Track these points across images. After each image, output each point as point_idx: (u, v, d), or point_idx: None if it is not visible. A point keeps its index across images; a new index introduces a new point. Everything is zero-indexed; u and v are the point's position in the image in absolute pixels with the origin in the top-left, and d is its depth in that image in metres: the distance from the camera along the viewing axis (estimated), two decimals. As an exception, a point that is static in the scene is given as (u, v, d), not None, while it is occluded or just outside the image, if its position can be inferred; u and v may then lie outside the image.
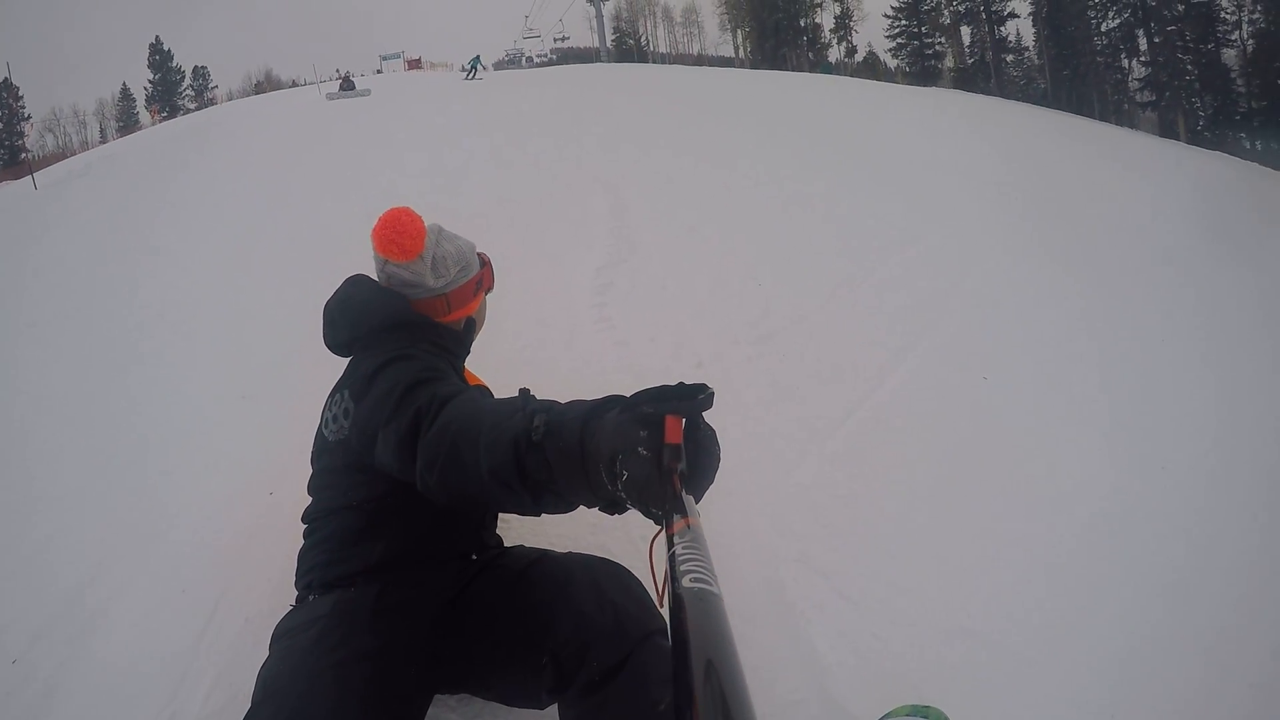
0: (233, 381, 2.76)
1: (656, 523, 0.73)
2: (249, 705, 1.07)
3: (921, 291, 3.38)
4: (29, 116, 39.56)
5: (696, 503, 0.74)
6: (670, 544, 0.65)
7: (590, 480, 0.83)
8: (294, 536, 1.39)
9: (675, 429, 0.76)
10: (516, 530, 1.74)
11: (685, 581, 0.59)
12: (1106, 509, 2.03)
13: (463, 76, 19.42)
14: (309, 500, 1.36)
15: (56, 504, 2.30)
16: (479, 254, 1.55)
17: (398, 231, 1.34)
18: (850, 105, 9.28)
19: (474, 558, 1.34)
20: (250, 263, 4.21)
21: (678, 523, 0.67)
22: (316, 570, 1.26)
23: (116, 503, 2.26)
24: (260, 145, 8.41)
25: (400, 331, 1.33)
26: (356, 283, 1.45)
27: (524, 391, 1.00)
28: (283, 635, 1.19)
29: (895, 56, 37.63)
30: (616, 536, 1.74)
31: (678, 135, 6.70)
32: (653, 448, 0.75)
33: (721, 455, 0.84)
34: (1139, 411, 2.58)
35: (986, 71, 33.07)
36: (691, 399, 0.78)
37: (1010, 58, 33.86)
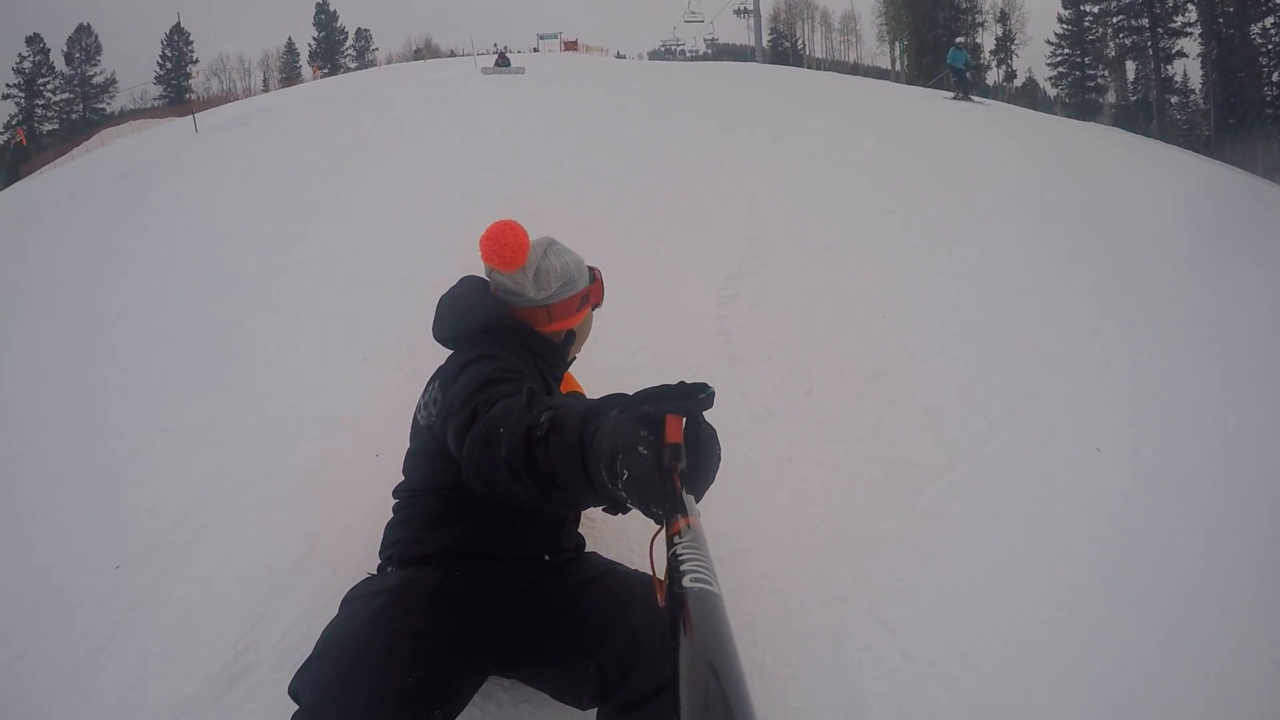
0: (359, 342, 2.91)
1: (657, 522, 0.72)
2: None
3: (1044, 352, 3.17)
4: (197, 60, 43.70)
5: (697, 502, 0.73)
6: (670, 544, 0.65)
7: (590, 478, 0.83)
8: (389, 501, 1.48)
9: (675, 428, 0.75)
10: (599, 530, 1.79)
11: (685, 581, 0.58)
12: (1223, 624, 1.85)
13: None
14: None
15: (175, 434, 2.56)
16: (592, 270, 1.60)
17: (500, 244, 1.40)
18: (1006, 134, 8.74)
19: (546, 558, 1.39)
20: (392, 227, 4.41)
21: (678, 522, 0.67)
22: (397, 546, 1.37)
23: (229, 438, 2.47)
24: (414, 112, 8.79)
25: (495, 334, 1.41)
26: (467, 283, 1.53)
27: (530, 391, 1.01)
28: (352, 600, 1.29)
29: (1055, 86, 35.44)
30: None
31: (825, 148, 6.51)
32: (653, 447, 0.75)
33: (723, 455, 0.83)
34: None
35: (1149, 111, 30.50)
36: (692, 398, 0.77)
37: (1174, 99, 31.12)
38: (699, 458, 0.78)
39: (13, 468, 2.53)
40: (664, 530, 0.69)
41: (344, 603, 1.30)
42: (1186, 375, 3.13)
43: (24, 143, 29.95)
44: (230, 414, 2.63)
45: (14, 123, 38.51)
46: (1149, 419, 2.74)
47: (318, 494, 2.08)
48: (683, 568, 0.60)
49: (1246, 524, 2.24)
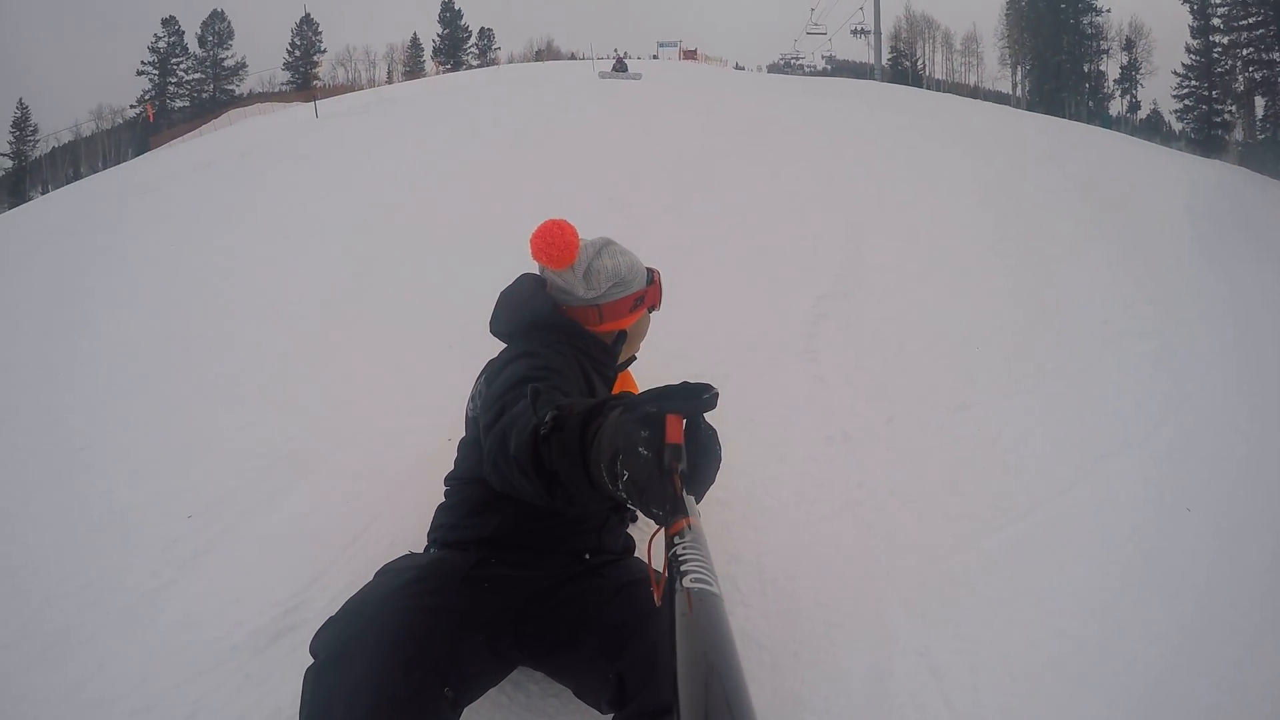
0: (444, 329, 2.97)
1: (658, 522, 0.71)
2: None
3: (1143, 395, 2.94)
4: (324, 50, 46.25)
5: (698, 502, 0.72)
6: (670, 544, 0.64)
7: (591, 478, 0.82)
8: (445, 485, 1.51)
9: (676, 428, 0.74)
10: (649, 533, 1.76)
11: (685, 581, 0.58)
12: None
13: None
14: None
15: (266, 397, 2.72)
16: (652, 271, 1.59)
17: (548, 242, 1.42)
18: (1129, 167, 8.24)
19: (587, 557, 1.38)
20: (493, 221, 4.44)
21: (678, 522, 0.66)
22: (441, 530, 1.41)
23: (314, 407, 2.59)
24: (531, 110, 9.00)
25: (543, 331, 1.42)
26: (521, 279, 1.56)
27: (533, 389, 1.00)
28: (384, 572, 1.32)
29: (1180, 119, 33.30)
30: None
31: (937, 172, 6.31)
32: (653, 447, 0.73)
33: (723, 456, 0.81)
34: None
35: (1278, 150, 28.14)
36: (696, 399, 0.75)
37: (1305, 137, 28.69)
38: (699, 458, 0.78)
39: (102, 419, 2.71)
40: (664, 531, 0.69)
41: (377, 574, 1.33)
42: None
43: (151, 119, 32.43)
44: (317, 387, 2.76)
45: (146, 98, 41.76)
46: (1248, 480, 2.49)
47: (388, 470, 2.15)
48: (683, 568, 0.60)
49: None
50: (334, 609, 1.66)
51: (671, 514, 0.68)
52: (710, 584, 0.58)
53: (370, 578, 1.30)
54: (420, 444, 2.21)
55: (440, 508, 1.48)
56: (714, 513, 1.94)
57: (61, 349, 3.36)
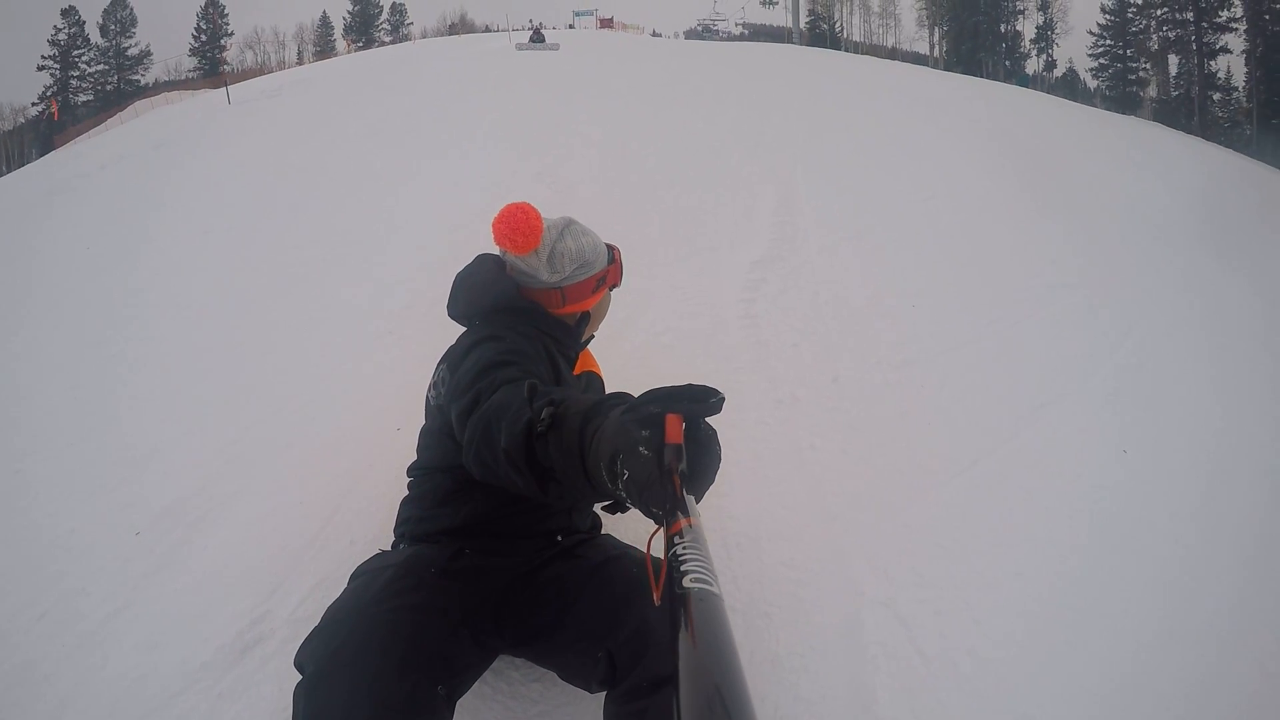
0: (383, 317, 2.91)
1: (657, 522, 0.72)
2: None
3: (1077, 344, 3.08)
4: (231, 33, 43.96)
5: (697, 502, 0.73)
6: (670, 544, 0.65)
7: (590, 477, 0.83)
8: (406, 477, 1.48)
9: (676, 429, 0.75)
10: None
11: (686, 581, 0.58)
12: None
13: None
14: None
15: (198, 405, 2.60)
16: (612, 249, 1.58)
17: (512, 227, 1.40)
18: (1047, 124, 8.51)
19: (559, 539, 1.38)
20: (421, 203, 4.38)
21: (678, 522, 0.67)
22: (409, 524, 1.39)
23: (252, 411, 2.50)
24: (447, 87, 8.73)
25: (506, 315, 1.40)
26: (480, 261, 1.53)
27: (532, 386, 1.00)
28: (359, 575, 1.30)
29: (1096, 77, 34.60)
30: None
31: (863, 131, 6.37)
32: (654, 447, 0.74)
33: (723, 456, 0.82)
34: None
35: (1190, 108, 29.62)
36: (703, 402, 0.76)
37: (1217, 96, 30.17)
38: (699, 458, 0.78)
39: (37, 434, 2.58)
40: (663, 530, 0.69)
41: (352, 577, 1.31)
42: (1230, 375, 3.04)
43: (56, 117, 30.39)
44: (252, 387, 2.65)
45: (49, 94, 39.08)
46: (1179, 421, 2.66)
47: (338, 467, 2.09)
48: (683, 568, 0.60)
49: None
50: (300, 615, 1.65)
51: (671, 514, 0.69)
52: (711, 584, 0.58)
53: (335, 580, 1.28)
54: (368, 436, 2.17)
55: (405, 500, 1.46)
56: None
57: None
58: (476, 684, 1.30)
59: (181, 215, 4.91)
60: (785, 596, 1.66)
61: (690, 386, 0.77)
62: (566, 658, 1.24)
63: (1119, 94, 32.59)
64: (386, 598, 1.15)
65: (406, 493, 1.47)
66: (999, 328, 3.12)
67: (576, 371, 1.53)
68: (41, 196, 6.59)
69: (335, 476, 2.05)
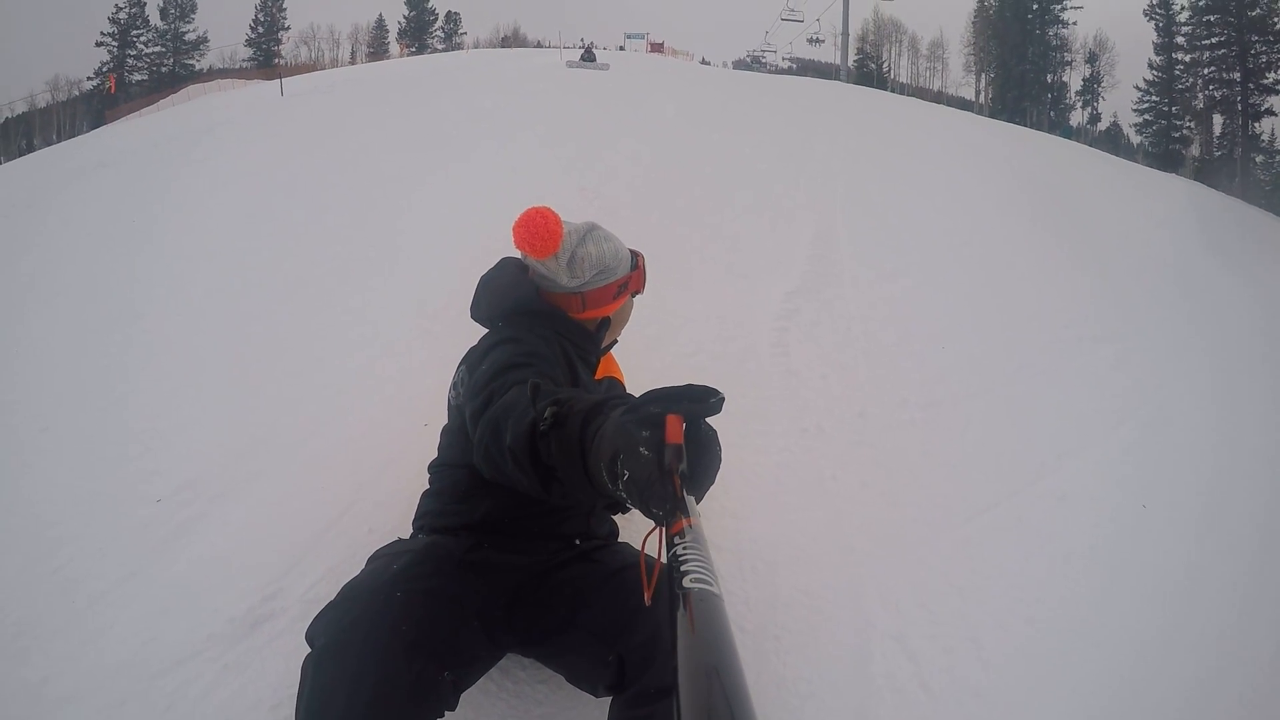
0: (422, 315, 2.93)
1: (657, 523, 0.72)
2: None
3: (1106, 397, 3.05)
4: (288, 27, 44.94)
5: (698, 503, 0.73)
6: (670, 544, 0.65)
7: (590, 476, 0.83)
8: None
9: (676, 429, 0.74)
10: (635, 518, 1.78)
11: (686, 582, 0.58)
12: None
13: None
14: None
15: (234, 384, 2.63)
16: (636, 255, 1.58)
17: (531, 231, 1.40)
18: (1086, 179, 8.46)
19: (577, 543, 1.38)
20: (464, 208, 4.42)
21: (679, 523, 0.67)
22: (428, 517, 1.40)
23: (286, 396, 2.53)
24: (498, 97, 8.86)
25: (526, 318, 1.41)
26: (503, 264, 1.55)
27: (534, 385, 1.00)
28: (377, 558, 1.31)
29: (1140, 133, 34.35)
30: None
31: (904, 171, 6.39)
32: (654, 448, 0.74)
33: (723, 457, 0.82)
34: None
35: (1232, 169, 29.26)
36: (704, 401, 0.76)
37: (1260, 158, 29.82)
38: (699, 459, 0.77)
39: (64, 398, 2.63)
40: (662, 530, 0.69)
41: (370, 560, 1.32)
42: (1246, 434, 2.99)
43: (114, 91, 31.21)
44: (285, 374, 2.69)
45: (105, 69, 40.18)
46: (1199, 478, 2.62)
47: (362, 458, 2.11)
48: (683, 568, 0.60)
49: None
50: (313, 596, 1.66)
51: (671, 514, 0.69)
52: (711, 584, 0.58)
53: (351, 565, 1.29)
54: (397, 430, 2.18)
55: (425, 494, 1.47)
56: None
57: (16, 329, 3.24)
58: (482, 680, 1.30)
59: (228, 198, 5.01)
60: (797, 622, 1.65)
61: (690, 387, 0.77)
62: (575, 659, 1.24)
63: (1162, 150, 32.28)
64: (403, 581, 1.15)
65: (428, 486, 1.48)
66: (1025, 375, 3.11)
67: (598, 376, 1.54)
68: (91, 169, 6.77)
69: (358, 467, 2.07)
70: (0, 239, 4.80)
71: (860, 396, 2.68)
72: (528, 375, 1.11)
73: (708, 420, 0.80)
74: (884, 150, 7.32)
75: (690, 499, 0.71)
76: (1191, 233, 6.97)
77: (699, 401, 0.76)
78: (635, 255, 1.58)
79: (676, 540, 0.65)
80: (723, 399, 0.77)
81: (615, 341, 1.66)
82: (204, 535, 1.89)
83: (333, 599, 1.16)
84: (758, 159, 6.11)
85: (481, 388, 1.12)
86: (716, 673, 0.51)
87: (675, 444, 0.74)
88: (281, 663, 1.47)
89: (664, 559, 0.66)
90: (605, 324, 1.53)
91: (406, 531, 1.47)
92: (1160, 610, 1.94)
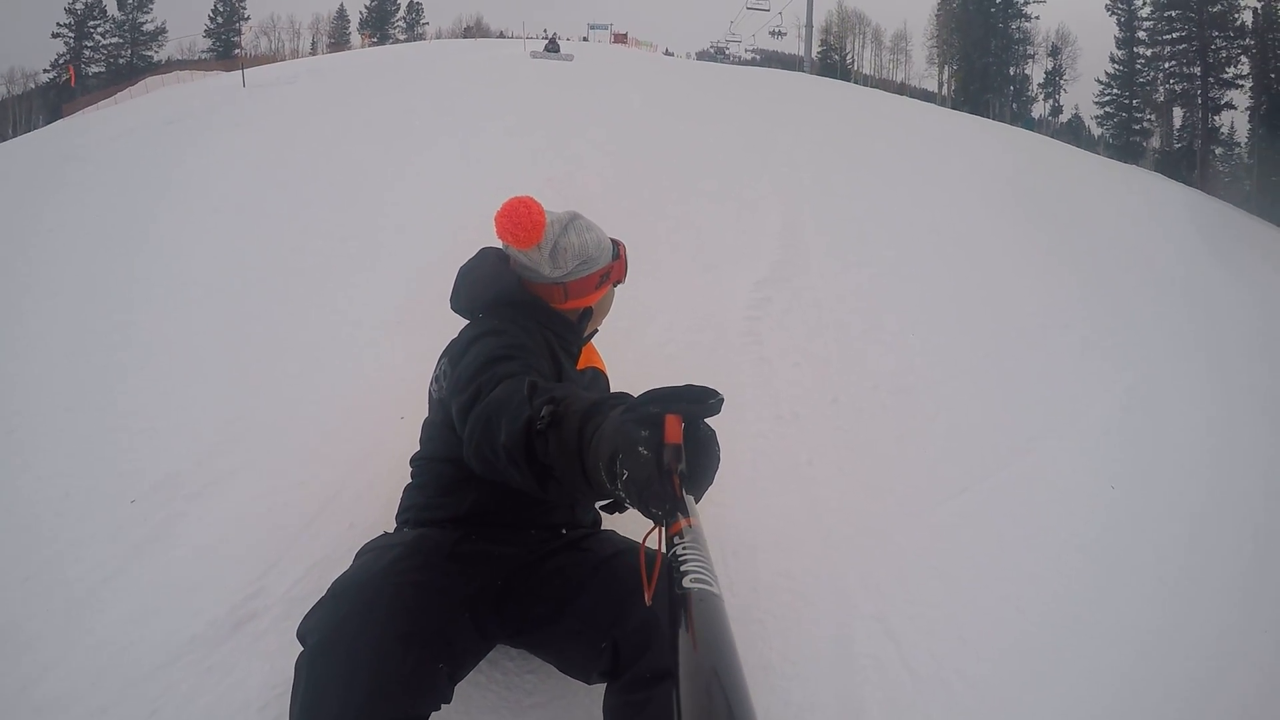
0: (394, 307, 2.91)
1: (657, 523, 0.72)
2: None
3: (1074, 382, 3.15)
4: (248, 18, 43.83)
5: (696, 502, 0.73)
6: (670, 544, 0.65)
7: (588, 476, 0.83)
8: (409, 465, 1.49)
9: (675, 429, 0.75)
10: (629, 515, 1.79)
11: (686, 582, 0.58)
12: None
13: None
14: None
15: (202, 381, 2.57)
16: (617, 244, 1.58)
17: (514, 222, 1.39)
18: (1052, 167, 8.68)
19: (564, 532, 1.39)
20: (432, 198, 4.39)
21: (678, 523, 0.67)
22: (413, 510, 1.39)
23: (258, 390, 2.48)
24: (461, 88, 8.76)
25: (508, 308, 1.40)
26: (483, 255, 1.53)
27: (532, 384, 1.01)
28: (364, 552, 1.30)
29: (1101, 125, 35.09)
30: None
31: (870, 161, 6.46)
32: (653, 447, 0.74)
33: (721, 456, 0.82)
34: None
35: (1192, 160, 30.10)
36: (703, 402, 0.77)
37: (1219, 150, 30.67)
38: (699, 458, 0.77)
39: (31, 397, 2.55)
40: (662, 530, 0.69)
41: (358, 554, 1.31)
42: (1223, 416, 3.10)
43: (73, 83, 30.22)
44: (256, 369, 2.63)
45: (62, 61, 38.90)
46: (1168, 460, 2.71)
47: (340, 452, 2.09)
48: (683, 568, 0.60)
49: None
50: (296, 594, 1.64)
51: (671, 514, 0.69)
52: (711, 584, 0.58)
53: (332, 561, 1.28)
54: (374, 423, 2.16)
55: (408, 488, 1.46)
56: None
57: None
58: (471, 672, 1.30)
59: (191, 193, 4.89)
60: (780, 605, 1.68)
61: (690, 387, 0.77)
62: (567, 647, 1.24)
63: (1123, 143, 33.03)
64: (393, 574, 1.15)
65: (409, 480, 1.47)
66: (995, 361, 3.18)
67: (580, 366, 1.54)
68: (55, 164, 6.56)
69: (336, 461, 2.04)
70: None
71: (833, 384, 2.72)
72: (514, 369, 1.11)
73: (706, 421, 0.80)
74: (849, 141, 7.37)
75: (689, 499, 0.71)
76: (1157, 222, 7.16)
77: (698, 402, 0.77)
78: (616, 244, 1.58)
79: (676, 540, 0.65)
80: (722, 400, 0.77)
81: (596, 331, 1.66)
82: (182, 535, 1.85)
83: (323, 596, 1.15)
84: (725, 149, 6.13)
85: (468, 382, 1.11)
86: (716, 673, 0.52)
87: (674, 444, 0.74)
88: (267, 663, 1.45)
89: (663, 559, 0.66)
90: (587, 314, 1.53)
91: (389, 525, 1.46)
92: (1134, 591, 2.01)
